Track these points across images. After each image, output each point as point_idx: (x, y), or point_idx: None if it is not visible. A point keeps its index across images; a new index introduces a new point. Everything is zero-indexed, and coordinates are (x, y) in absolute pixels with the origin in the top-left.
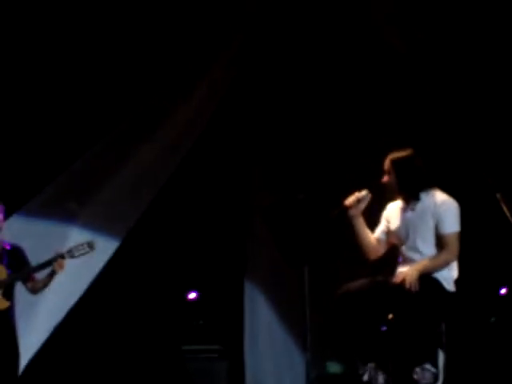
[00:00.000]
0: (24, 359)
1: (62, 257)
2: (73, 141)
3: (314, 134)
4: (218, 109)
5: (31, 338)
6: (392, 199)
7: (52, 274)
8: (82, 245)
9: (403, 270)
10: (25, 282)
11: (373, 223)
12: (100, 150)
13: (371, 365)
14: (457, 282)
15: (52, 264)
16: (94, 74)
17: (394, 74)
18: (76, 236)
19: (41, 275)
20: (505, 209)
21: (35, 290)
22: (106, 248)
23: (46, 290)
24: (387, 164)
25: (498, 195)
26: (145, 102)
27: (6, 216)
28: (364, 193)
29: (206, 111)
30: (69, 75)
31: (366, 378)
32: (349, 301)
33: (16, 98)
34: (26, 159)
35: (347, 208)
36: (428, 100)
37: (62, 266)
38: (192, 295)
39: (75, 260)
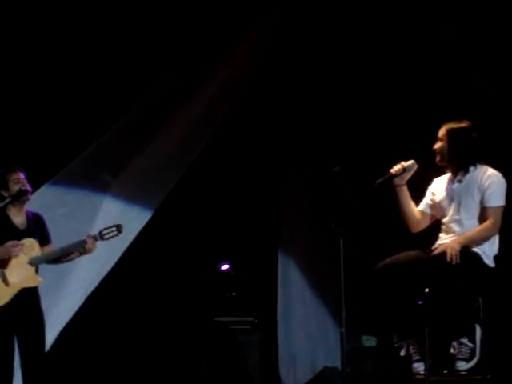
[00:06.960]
0: (54, 331)
1: (94, 238)
2: (102, 112)
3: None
4: (254, 79)
5: (62, 309)
6: (439, 171)
7: (82, 253)
8: (111, 227)
9: (444, 242)
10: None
11: (417, 198)
12: (131, 120)
13: (408, 341)
14: (496, 257)
15: (83, 246)
16: (126, 43)
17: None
18: (108, 206)
19: None
20: None
21: (60, 263)
22: (138, 219)
23: (78, 259)
24: (442, 132)
25: None
26: (174, 76)
27: (40, 185)
28: (410, 162)
29: (240, 81)
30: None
31: (402, 353)
32: (388, 275)
33: (49, 70)
34: (57, 129)
35: (392, 176)
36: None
37: (92, 248)
38: (225, 267)
39: None
